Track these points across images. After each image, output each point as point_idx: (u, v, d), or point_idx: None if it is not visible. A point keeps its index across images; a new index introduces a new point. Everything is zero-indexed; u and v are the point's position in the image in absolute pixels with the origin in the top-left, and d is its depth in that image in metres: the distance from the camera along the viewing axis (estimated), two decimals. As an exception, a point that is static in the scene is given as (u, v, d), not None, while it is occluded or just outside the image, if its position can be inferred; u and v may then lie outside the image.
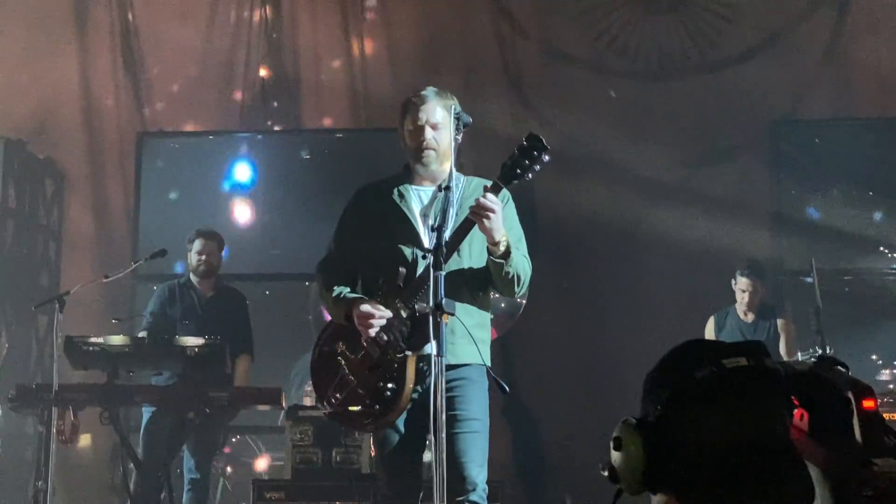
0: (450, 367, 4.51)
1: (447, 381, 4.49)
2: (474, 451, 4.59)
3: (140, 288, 9.46)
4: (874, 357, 8.82)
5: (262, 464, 9.15)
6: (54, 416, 6.70)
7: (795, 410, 2.37)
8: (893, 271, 9.13)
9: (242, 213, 9.56)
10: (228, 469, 8.91)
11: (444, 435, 4.07)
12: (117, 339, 6.87)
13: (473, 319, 4.69)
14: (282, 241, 9.72)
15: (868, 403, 2.35)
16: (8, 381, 7.91)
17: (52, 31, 10.10)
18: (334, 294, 4.78)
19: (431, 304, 4.11)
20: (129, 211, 9.94)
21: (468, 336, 4.61)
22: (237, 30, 10.17)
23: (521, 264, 4.66)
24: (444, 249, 4.21)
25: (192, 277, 7.95)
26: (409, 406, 4.55)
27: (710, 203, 9.25)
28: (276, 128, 10.27)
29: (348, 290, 4.78)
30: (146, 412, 7.50)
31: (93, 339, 6.77)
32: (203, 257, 7.90)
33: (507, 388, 4.47)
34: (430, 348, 4.39)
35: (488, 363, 4.73)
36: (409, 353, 4.49)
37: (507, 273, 4.59)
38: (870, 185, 9.30)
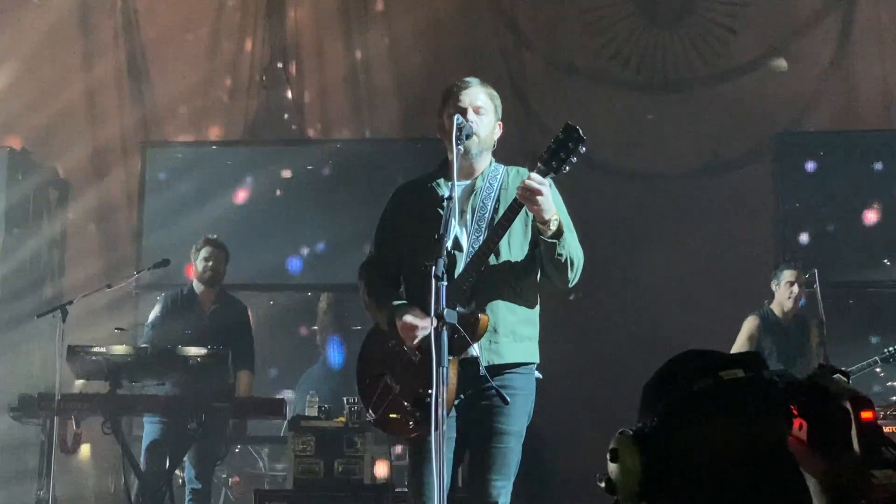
0: (494, 368, 4.48)
1: (491, 388, 4.44)
2: (503, 468, 4.52)
3: (143, 297, 9.45)
4: (878, 370, 8.78)
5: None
6: (56, 425, 6.71)
7: (794, 420, 2.36)
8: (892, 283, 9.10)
9: (245, 223, 9.55)
10: (231, 480, 8.91)
11: (445, 450, 4.01)
12: (120, 349, 6.87)
13: (517, 316, 4.59)
14: (286, 251, 9.71)
15: (867, 415, 2.34)
16: (11, 390, 7.90)
17: (57, 40, 10.12)
18: (377, 299, 4.70)
19: (432, 313, 4.07)
20: (132, 221, 9.95)
21: (512, 334, 4.54)
22: (241, 41, 10.19)
23: (574, 247, 4.52)
24: (446, 260, 4.14)
25: (196, 286, 7.93)
26: (451, 414, 4.38)
27: (715, 214, 9.24)
28: (280, 138, 10.28)
29: (392, 293, 4.70)
30: (148, 422, 7.49)
31: (95, 349, 6.77)
32: (210, 264, 7.87)
33: (508, 400, 4.43)
34: (472, 351, 4.37)
35: (536, 360, 4.65)
36: (450, 357, 4.19)
37: (560, 256, 4.45)
38: (874, 198, 9.27)
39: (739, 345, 8.07)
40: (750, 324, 8.25)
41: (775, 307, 8.27)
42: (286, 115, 10.24)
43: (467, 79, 4.78)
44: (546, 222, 4.40)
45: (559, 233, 4.44)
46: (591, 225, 9.20)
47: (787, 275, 8.22)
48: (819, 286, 7.69)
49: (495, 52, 9.92)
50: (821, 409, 2.35)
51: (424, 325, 4.38)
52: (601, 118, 9.59)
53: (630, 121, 9.59)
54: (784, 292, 8.22)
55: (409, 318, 4.50)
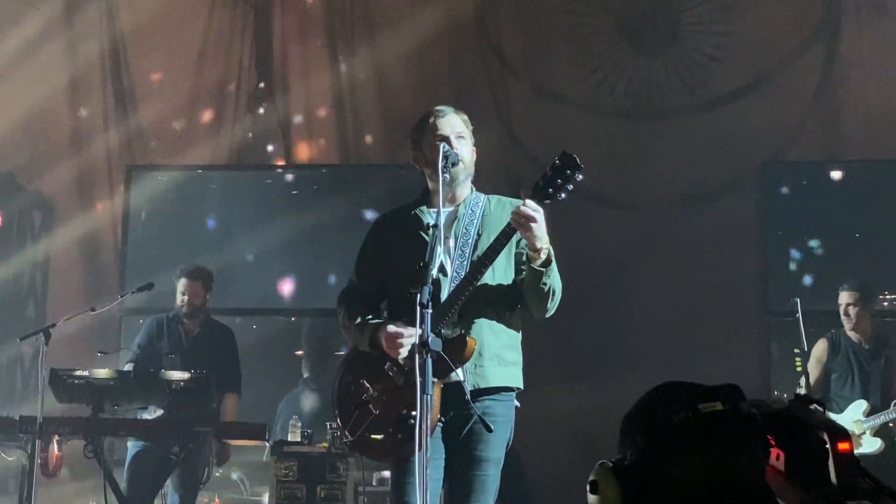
0: (478, 393, 4.47)
1: (472, 413, 4.41)
2: (482, 495, 4.51)
3: (127, 321, 9.44)
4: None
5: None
6: (38, 448, 6.67)
7: (772, 450, 2.37)
8: (878, 313, 9.10)
9: (230, 247, 9.54)
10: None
11: (430, 471, 4.01)
12: (102, 373, 6.85)
13: (502, 341, 4.59)
14: (270, 276, 9.71)
15: (843, 446, 2.35)
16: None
17: (43, 63, 10.11)
18: (357, 321, 4.68)
19: (417, 341, 4.06)
20: (116, 243, 9.93)
21: (497, 358, 4.53)
22: (228, 65, 10.19)
23: (557, 277, 4.52)
24: (431, 287, 4.13)
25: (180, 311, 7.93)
26: (432, 436, 4.32)
27: (699, 243, 9.25)
28: (265, 163, 10.28)
29: (371, 316, 4.68)
30: (133, 446, 7.46)
31: (78, 372, 6.75)
32: (186, 297, 7.86)
33: (492, 427, 4.43)
34: (456, 375, 4.35)
35: (520, 385, 4.64)
36: (434, 380, 4.15)
37: (544, 285, 4.45)
38: (857, 228, 9.31)
39: (810, 368, 7.99)
40: (818, 347, 8.15)
41: (846, 330, 8.16)
42: (272, 140, 10.24)
43: (440, 107, 4.81)
44: (538, 250, 4.41)
45: (548, 262, 4.45)
46: (576, 253, 9.28)
47: (840, 297, 8.10)
48: (801, 315, 7.70)
49: (481, 79, 9.94)
50: (798, 440, 2.36)
51: (410, 334, 4.36)
52: (586, 146, 9.59)
53: (615, 149, 9.59)
54: (842, 315, 8.13)
55: (392, 328, 4.48)
